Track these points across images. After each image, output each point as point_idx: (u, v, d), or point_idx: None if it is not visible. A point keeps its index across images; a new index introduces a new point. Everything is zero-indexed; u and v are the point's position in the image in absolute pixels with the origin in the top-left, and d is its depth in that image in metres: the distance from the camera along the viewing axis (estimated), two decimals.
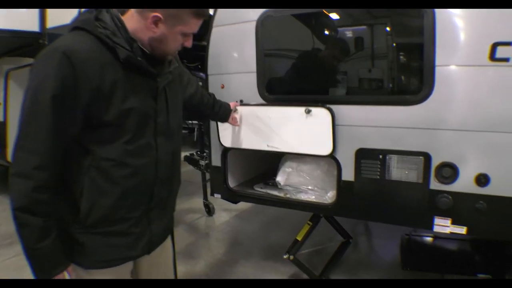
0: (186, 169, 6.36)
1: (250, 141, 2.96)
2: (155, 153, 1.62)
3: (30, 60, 4.78)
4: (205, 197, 5.28)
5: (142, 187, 1.61)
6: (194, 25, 1.56)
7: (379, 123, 2.50)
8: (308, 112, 2.64)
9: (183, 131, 10.04)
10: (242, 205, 5.10)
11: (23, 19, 4.17)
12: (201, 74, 4.47)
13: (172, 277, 2.15)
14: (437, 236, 3.53)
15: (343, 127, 2.61)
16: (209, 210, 5.33)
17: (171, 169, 1.74)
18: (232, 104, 2.81)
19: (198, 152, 5.06)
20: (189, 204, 5.85)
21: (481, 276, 3.24)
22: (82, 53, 1.37)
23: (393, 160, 2.49)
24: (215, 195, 3.34)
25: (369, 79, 2.68)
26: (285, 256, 3.23)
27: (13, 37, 4.25)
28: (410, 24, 2.57)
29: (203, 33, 2.80)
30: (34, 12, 4.20)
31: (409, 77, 2.61)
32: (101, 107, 1.43)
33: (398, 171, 2.49)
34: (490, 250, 3.31)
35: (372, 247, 4.29)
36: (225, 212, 5.43)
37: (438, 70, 2.31)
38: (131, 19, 1.50)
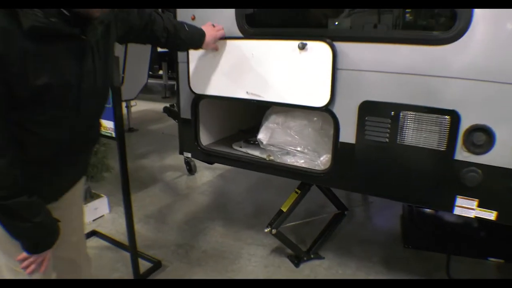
0: (171, 122, 5.83)
1: (226, 86, 2.33)
2: (76, 119, 1.44)
3: None
4: None
5: (59, 151, 1.47)
6: None
7: (393, 68, 1.87)
8: (302, 47, 2.00)
9: (171, 82, 9.50)
10: None
11: None
12: None
13: (81, 219, 2.02)
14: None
15: (344, 71, 1.98)
16: (190, 168, 4.77)
17: (92, 125, 1.64)
18: (211, 36, 2.23)
19: None
20: (170, 161, 5.34)
21: (492, 260, 2.84)
22: None
23: (409, 118, 1.88)
24: (185, 153, 2.76)
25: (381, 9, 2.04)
26: (266, 230, 2.70)
27: None
28: None
29: None
30: None
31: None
32: (9, 84, 1.18)
33: (414, 133, 1.88)
34: (507, 230, 2.82)
35: (369, 218, 3.75)
36: (208, 170, 4.89)
37: None
38: None
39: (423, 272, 2.82)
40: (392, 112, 1.91)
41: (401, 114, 1.89)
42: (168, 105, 4.78)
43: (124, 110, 7.03)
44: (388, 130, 1.93)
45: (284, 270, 2.88)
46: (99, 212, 3.73)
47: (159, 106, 8.56)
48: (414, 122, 1.87)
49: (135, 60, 6.01)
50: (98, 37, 1.39)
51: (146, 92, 9.35)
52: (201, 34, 2.19)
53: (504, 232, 2.74)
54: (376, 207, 3.91)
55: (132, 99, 6.68)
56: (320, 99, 2.03)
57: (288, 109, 2.39)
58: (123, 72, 5.96)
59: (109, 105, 2.39)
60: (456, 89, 1.77)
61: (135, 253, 2.68)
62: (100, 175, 3.65)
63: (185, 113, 2.63)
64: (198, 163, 4.79)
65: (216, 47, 2.31)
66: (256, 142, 2.58)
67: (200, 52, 2.36)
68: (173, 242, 3.27)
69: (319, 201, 3.68)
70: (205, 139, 2.75)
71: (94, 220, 3.65)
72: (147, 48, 6.21)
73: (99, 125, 1.79)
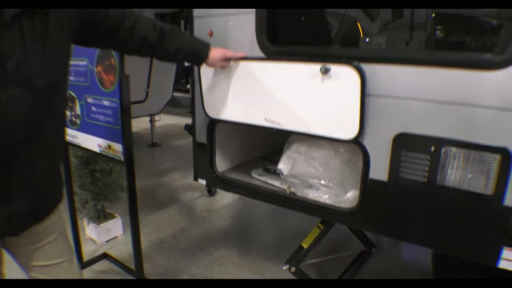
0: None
1: (243, 111, 2.12)
2: (3, 109, 1.21)
3: None
4: None
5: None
6: None
7: (434, 96, 1.60)
8: (325, 72, 1.75)
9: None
10: None
11: None
12: None
13: (70, 262, 1.67)
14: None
15: (377, 98, 1.73)
16: (210, 190, 4.58)
17: (34, 129, 1.32)
18: (220, 52, 1.97)
19: None
20: (191, 180, 5.10)
21: None
22: None
23: (451, 156, 1.61)
24: (199, 180, 2.55)
25: (423, 22, 1.78)
26: (285, 267, 2.44)
27: None
28: None
29: None
30: None
31: (487, 26, 1.70)
32: None
33: (457, 173, 1.61)
34: None
35: (398, 254, 3.44)
36: (229, 193, 4.67)
37: None
38: None
39: None
40: (432, 148, 1.64)
41: (442, 150, 1.62)
42: (190, 122, 4.62)
43: (148, 125, 6.98)
44: (427, 168, 1.66)
45: None
46: (113, 233, 3.58)
47: (184, 121, 8.45)
48: (458, 160, 1.60)
49: (160, 74, 5.94)
50: (25, 13, 1.21)
51: (172, 106, 9.27)
52: (205, 45, 1.94)
53: None
54: (406, 244, 3.61)
55: (157, 114, 6.60)
56: (348, 130, 1.78)
57: (312, 138, 2.15)
58: (148, 87, 5.91)
59: (117, 127, 2.23)
60: (509, 124, 1.50)
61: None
62: (114, 195, 3.51)
63: (201, 136, 2.43)
64: None
65: (226, 64, 2.06)
66: (277, 171, 2.35)
67: (213, 71, 2.16)
68: (186, 271, 3.06)
69: (344, 232, 3.41)
70: (221, 164, 2.54)
71: (107, 242, 3.50)
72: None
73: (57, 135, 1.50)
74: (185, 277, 2.98)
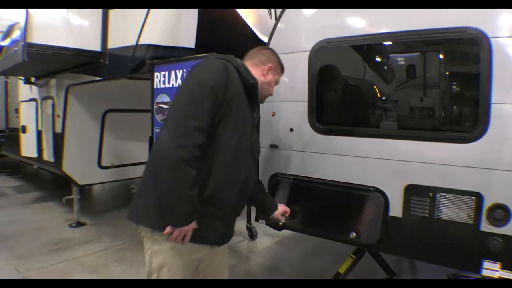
0: None
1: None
2: (252, 159, 2.24)
3: (89, 78, 4.92)
4: (249, 221, 5.29)
5: (248, 184, 2.19)
6: (280, 77, 2.45)
7: (430, 160, 2.46)
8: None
9: None
10: (285, 231, 5.06)
11: (86, 39, 4.43)
12: None
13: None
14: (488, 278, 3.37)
15: (393, 161, 2.59)
16: (252, 234, 5.33)
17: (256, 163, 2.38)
18: (282, 208, 2.72)
19: None
20: None
21: None
22: (231, 67, 2.06)
23: (443, 198, 2.43)
24: (260, 221, 3.35)
25: (422, 113, 2.64)
26: None
27: (76, 55, 4.49)
28: (465, 59, 2.55)
29: None
30: (97, 33, 4.43)
31: (462, 114, 2.56)
32: (228, 101, 1.99)
33: (448, 210, 2.43)
34: None
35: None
36: (268, 237, 5.42)
37: (494, 108, 2.26)
38: (251, 69, 2.22)
39: None
40: (431, 193, 2.47)
41: (437, 195, 2.45)
42: None
43: None
44: (428, 207, 2.48)
45: None
46: None
47: None
48: (448, 201, 2.42)
49: None
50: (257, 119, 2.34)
51: None
52: (275, 204, 2.70)
53: None
54: (422, 273, 4.28)
55: None
56: None
57: None
58: None
59: None
60: (479, 176, 2.32)
61: None
62: None
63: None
64: (259, 230, 5.38)
65: (280, 219, 2.75)
66: None
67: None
68: None
69: (368, 267, 4.10)
70: None
71: None
72: None
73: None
74: None
